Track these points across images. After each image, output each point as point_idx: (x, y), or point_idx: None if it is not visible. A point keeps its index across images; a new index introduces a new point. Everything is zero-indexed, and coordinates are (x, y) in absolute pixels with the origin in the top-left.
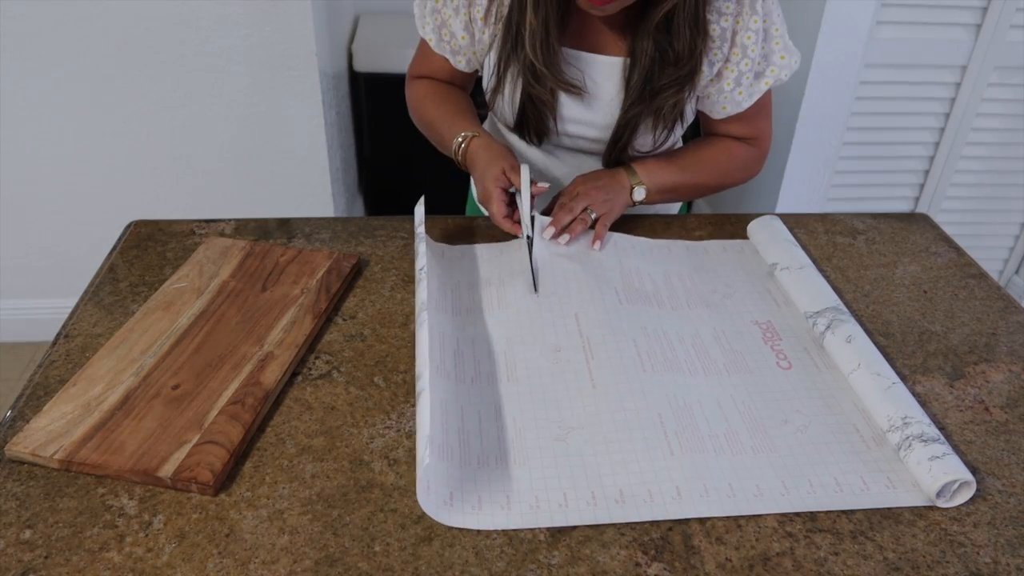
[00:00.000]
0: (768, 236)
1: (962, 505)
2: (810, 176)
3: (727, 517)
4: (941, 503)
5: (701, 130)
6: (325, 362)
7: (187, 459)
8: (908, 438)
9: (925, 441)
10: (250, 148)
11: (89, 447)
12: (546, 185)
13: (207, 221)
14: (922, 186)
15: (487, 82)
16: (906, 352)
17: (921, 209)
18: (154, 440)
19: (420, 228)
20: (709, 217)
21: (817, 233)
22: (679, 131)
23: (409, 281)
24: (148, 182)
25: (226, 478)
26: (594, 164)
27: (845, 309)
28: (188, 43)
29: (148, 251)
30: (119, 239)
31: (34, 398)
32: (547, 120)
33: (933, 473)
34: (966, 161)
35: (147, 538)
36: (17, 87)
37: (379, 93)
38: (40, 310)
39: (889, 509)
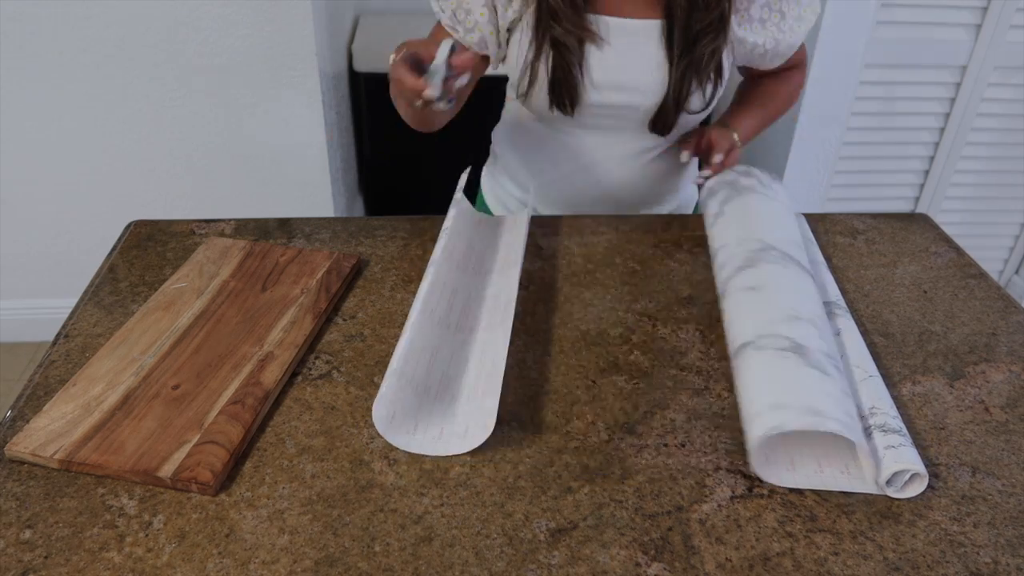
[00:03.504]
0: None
1: (962, 505)
2: (810, 176)
3: (727, 517)
4: (891, 492)
5: (740, 73)
6: (325, 362)
7: (187, 459)
8: (869, 427)
9: (885, 431)
10: (250, 148)
11: (89, 447)
12: (469, 53)
13: (207, 221)
14: (922, 186)
15: (516, 61)
16: (906, 352)
17: (921, 209)
18: (154, 440)
19: (459, 194)
20: None
21: (817, 233)
22: (721, 90)
23: (409, 281)
24: (148, 182)
25: (226, 478)
26: (636, 141)
27: (844, 305)
28: (188, 43)
29: (148, 251)
30: (119, 239)
31: (34, 398)
32: (576, 80)
33: (885, 461)
34: (966, 161)
35: (147, 538)
36: (17, 87)
37: (379, 93)
38: (40, 310)
39: (889, 509)
